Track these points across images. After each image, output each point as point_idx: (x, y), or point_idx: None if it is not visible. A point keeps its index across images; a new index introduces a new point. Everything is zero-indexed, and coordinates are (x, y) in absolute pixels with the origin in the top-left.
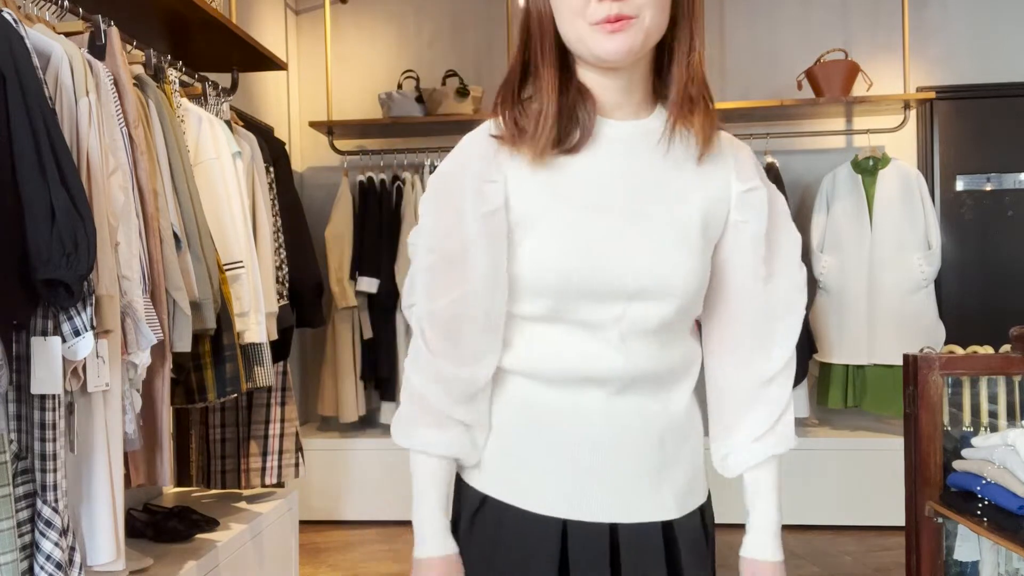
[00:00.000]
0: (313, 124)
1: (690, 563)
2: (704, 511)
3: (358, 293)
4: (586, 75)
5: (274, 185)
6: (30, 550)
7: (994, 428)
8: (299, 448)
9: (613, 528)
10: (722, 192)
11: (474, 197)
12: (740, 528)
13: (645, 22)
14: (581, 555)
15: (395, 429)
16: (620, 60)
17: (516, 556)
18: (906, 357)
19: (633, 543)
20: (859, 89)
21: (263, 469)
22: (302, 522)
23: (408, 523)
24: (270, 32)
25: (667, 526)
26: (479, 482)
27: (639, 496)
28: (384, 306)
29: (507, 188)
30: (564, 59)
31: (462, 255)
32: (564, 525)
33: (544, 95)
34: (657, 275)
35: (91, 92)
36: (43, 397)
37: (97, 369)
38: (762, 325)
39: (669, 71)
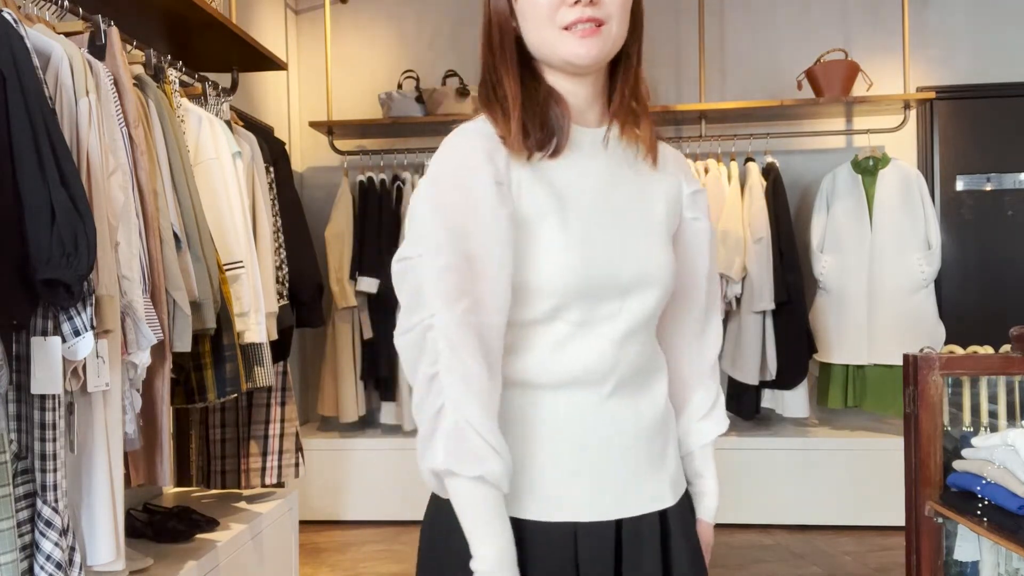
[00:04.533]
0: (313, 124)
1: (681, 544)
2: (687, 494)
3: (358, 293)
4: (557, 82)
5: (274, 185)
6: (30, 550)
7: (994, 428)
8: (299, 448)
9: (618, 524)
10: (676, 192)
11: (493, 197)
12: (740, 528)
13: (612, 30)
14: (590, 554)
15: (451, 455)
16: (590, 65)
17: (541, 568)
18: (906, 357)
19: (633, 536)
20: (859, 89)
21: (263, 469)
22: (302, 522)
23: (408, 523)
24: (270, 32)
25: (662, 514)
26: None
27: (639, 490)
28: (384, 306)
29: (512, 191)
30: (527, 67)
31: (484, 255)
32: (575, 528)
33: (509, 103)
34: (644, 269)
35: (91, 92)
36: (43, 397)
37: (97, 369)
38: (704, 315)
39: (614, 81)
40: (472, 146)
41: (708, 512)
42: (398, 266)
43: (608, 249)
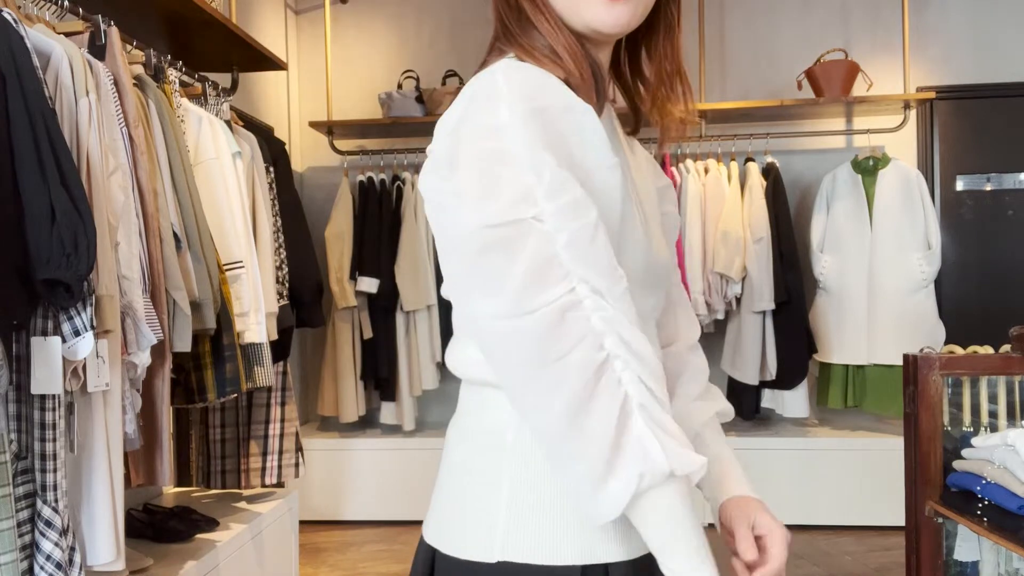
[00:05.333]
0: (313, 124)
1: None
2: None
3: (358, 293)
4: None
5: (274, 185)
6: (30, 550)
7: (994, 428)
8: (299, 448)
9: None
10: (653, 182)
11: (609, 143)
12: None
13: None
14: None
15: (670, 453)
16: (619, 33)
17: None
18: (906, 357)
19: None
20: (859, 89)
21: (263, 469)
22: (302, 522)
23: (408, 523)
24: (270, 32)
25: None
26: (572, 551)
27: None
28: (384, 306)
29: None
30: None
31: (611, 215)
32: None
33: (560, 49)
34: (669, 258)
35: (91, 92)
36: (43, 397)
37: (97, 369)
38: (675, 306)
39: (643, 51)
40: (557, 81)
41: (744, 482)
42: (500, 231)
43: (652, 232)
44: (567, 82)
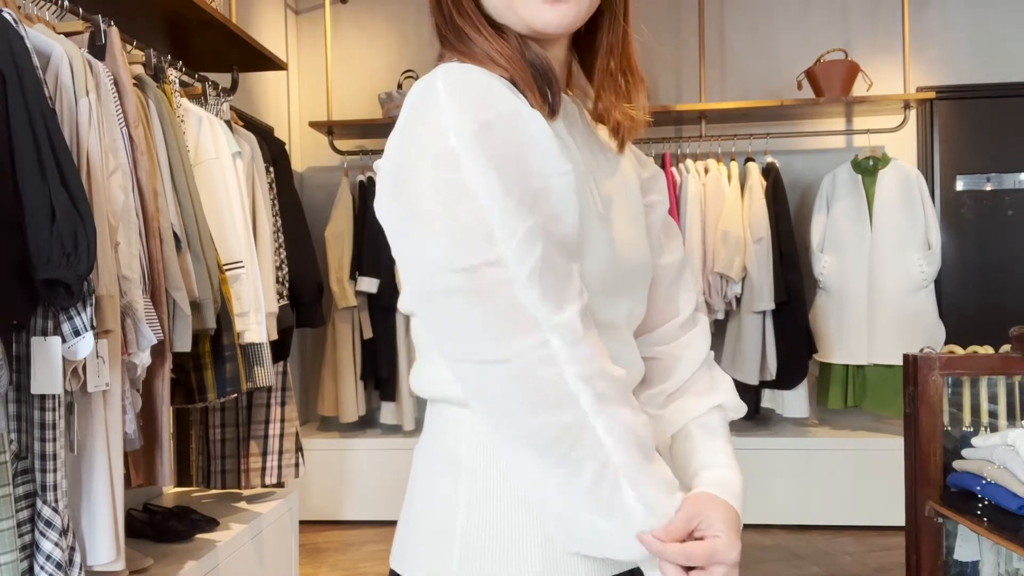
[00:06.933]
0: (313, 124)
1: None
2: None
3: (358, 293)
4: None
5: (274, 185)
6: (30, 550)
7: (994, 428)
8: (299, 448)
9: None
10: (635, 177)
11: (561, 151)
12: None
13: None
14: None
15: (648, 516)
16: (562, 33)
17: None
18: (906, 357)
19: None
20: (859, 89)
21: (263, 469)
22: (302, 522)
23: None
24: (270, 32)
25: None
26: (531, 571)
27: None
28: (384, 306)
29: None
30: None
31: (576, 235)
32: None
33: (495, 55)
34: (645, 259)
35: (91, 92)
36: (43, 397)
37: (97, 369)
38: (662, 296)
39: (589, 39)
40: (500, 84)
41: (713, 484)
42: (464, 278)
43: (620, 234)
44: (512, 82)
